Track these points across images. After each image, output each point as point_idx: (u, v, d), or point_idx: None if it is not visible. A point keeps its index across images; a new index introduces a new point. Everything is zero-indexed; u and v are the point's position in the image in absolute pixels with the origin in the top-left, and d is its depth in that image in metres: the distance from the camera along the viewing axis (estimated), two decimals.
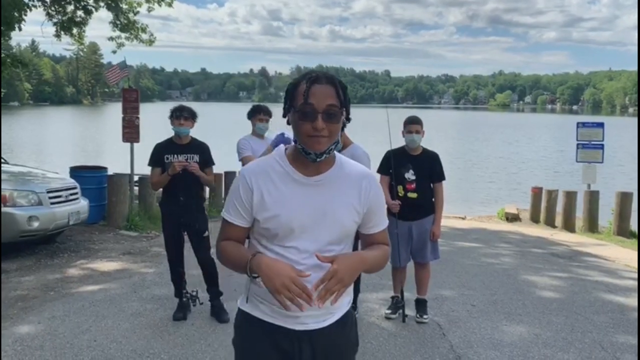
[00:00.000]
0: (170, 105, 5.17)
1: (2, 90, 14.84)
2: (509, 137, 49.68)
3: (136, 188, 10.39)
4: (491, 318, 5.05)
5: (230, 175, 12.10)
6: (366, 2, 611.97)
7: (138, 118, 10.48)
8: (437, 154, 4.94)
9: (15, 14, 9.53)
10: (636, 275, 6.76)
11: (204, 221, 4.89)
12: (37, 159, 23.86)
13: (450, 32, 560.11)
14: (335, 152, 1.87)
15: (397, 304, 4.98)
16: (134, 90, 11.19)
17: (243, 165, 5.07)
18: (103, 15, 13.02)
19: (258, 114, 5.31)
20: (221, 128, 36.44)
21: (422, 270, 4.98)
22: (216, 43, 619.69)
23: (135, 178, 10.72)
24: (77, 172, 9.15)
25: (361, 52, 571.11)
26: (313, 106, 1.74)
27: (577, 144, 11.39)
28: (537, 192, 12.07)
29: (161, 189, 4.86)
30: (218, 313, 4.81)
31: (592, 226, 10.77)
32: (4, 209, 6.50)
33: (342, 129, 1.94)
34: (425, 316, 4.88)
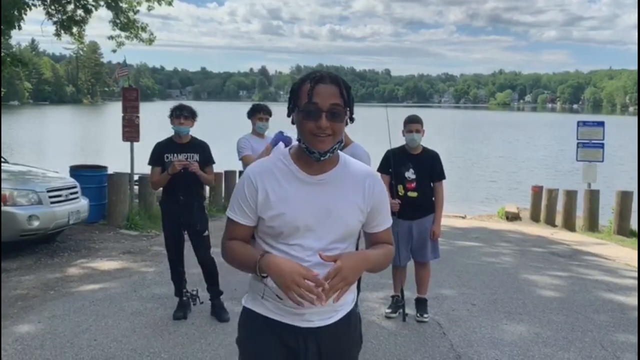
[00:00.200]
0: (170, 104, 5.17)
1: (2, 89, 14.84)
2: (509, 136, 49.68)
3: (136, 187, 10.39)
4: (491, 317, 5.05)
5: (230, 174, 12.11)
6: (366, 1, 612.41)
7: (138, 117, 10.47)
8: (437, 153, 4.94)
9: (15, 13, 9.52)
10: (636, 274, 6.75)
11: (204, 220, 4.89)
12: (37, 158, 23.84)
13: (451, 31, 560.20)
14: (339, 151, 1.88)
15: (397, 303, 4.98)
16: (134, 89, 11.19)
17: (243, 164, 5.07)
18: (103, 14, 13.01)
19: (258, 113, 5.31)
20: (221, 127, 36.45)
21: (422, 270, 4.98)
22: (216, 42, 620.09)
23: (136, 177, 10.72)
24: (77, 171, 9.14)
25: (361, 51, 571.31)
26: (317, 105, 1.75)
27: (578, 143, 11.38)
28: (537, 191, 12.07)
29: (161, 188, 4.86)
30: (218, 312, 4.81)
31: (592, 225, 10.76)
32: (4, 208, 6.50)
33: None
34: (425, 315, 4.88)
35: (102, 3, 12.08)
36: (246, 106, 5.65)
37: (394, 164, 4.73)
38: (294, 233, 1.83)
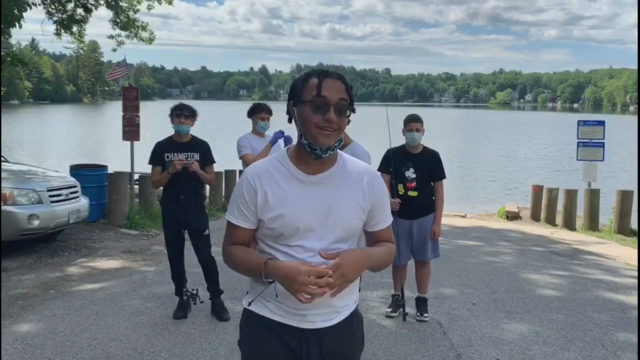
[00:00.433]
0: (170, 103, 5.16)
1: (2, 88, 14.81)
2: (510, 135, 49.66)
3: (136, 186, 10.40)
4: (492, 316, 5.05)
5: (230, 174, 12.12)
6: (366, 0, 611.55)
7: (138, 116, 10.48)
8: (438, 153, 4.94)
9: (16, 12, 9.52)
10: (636, 274, 6.75)
11: (204, 219, 4.89)
12: (37, 158, 23.86)
13: (451, 30, 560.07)
14: (338, 150, 1.87)
15: (397, 302, 4.98)
16: (134, 88, 11.19)
17: (243, 163, 5.07)
18: (103, 14, 13.06)
19: (260, 113, 5.31)
20: (221, 126, 36.44)
21: (422, 269, 4.98)
22: (216, 41, 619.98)
23: (136, 176, 10.74)
24: (77, 170, 9.14)
25: (361, 50, 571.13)
26: (326, 99, 1.75)
27: (578, 142, 11.38)
28: (537, 191, 12.07)
29: (162, 188, 4.86)
30: (218, 311, 4.81)
31: (592, 224, 10.77)
32: (4, 208, 6.50)
33: None
34: (425, 314, 4.88)
35: (102, 2, 12.08)
36: (246, 105, 5.64)
37: (394, 163, 4.73)
38: (294, 234, 1.82)
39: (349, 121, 1.84)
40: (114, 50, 13.43)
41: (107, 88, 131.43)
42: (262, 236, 1.89)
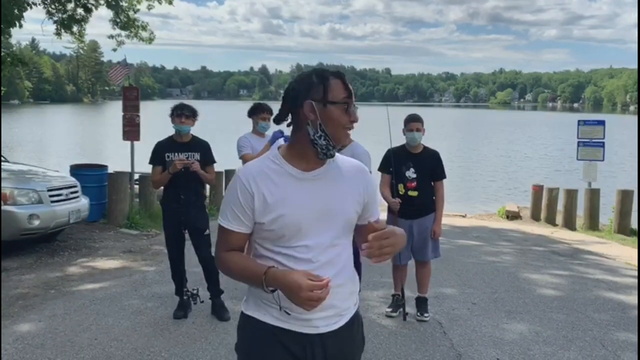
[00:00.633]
0: (170, 103, 5.16)
1: (2, 88, 14.81)
2: (510, 135, 49.65)
3: (136, 186, 10.40)
4: (492, 316, 5.05)
5: (230, 174, 12.11)
6: None
7: (138, 116, 10.48)
8: (438, 152, 4.94)
9: (16, 11, 9.52)
10: (637, 273, 6.75)
11: (204, 219, 4.89)
12: (37, 157, 23.85)
13: (451, 30, 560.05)
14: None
15: (397, 302, 4.98)
16: (135, 88, 11.19)
17: (243, 163, 5.07)
18: (103, 13, 13.06)
19: (261, 113, 5.31)
20: (221, 126, 36.44)
21: (422, 269, 4.98)
22: (216, 41, 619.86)
23: (136, 176, 10.73)
24: (77, 170, 9.14)
25: (362, 50, 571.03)
26: (352, 99, 1.80)
27: (578, 142, 11.38)
28: (537, 190, 12.06)
29: (162, 187, 4.86)
30: (219, 311, 4.81)
31: (592, 224, 10.76)
32: (4, 208, 6.50)
33: None
34: (426, 314, 4.88)
35: (102, 2, 12.07)
36: (246, 105, 5.65)
37: (394, 163, 4.73)
38: (296, 234, 1.78)
39: None
40: (114, 50, 13.44)
41: (107, 88, 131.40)
42: (261, 240, 1.84)
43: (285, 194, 1.79)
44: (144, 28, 13.00)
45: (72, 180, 7.78)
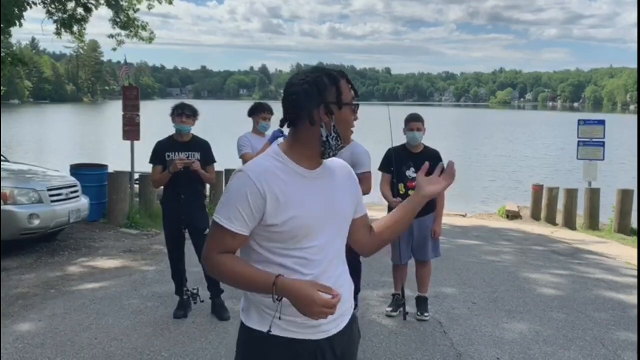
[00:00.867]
0: (170, 103, 5.17)
1: (2, 88, 14.81)
2: (510, 134, 49.64)
3: (137, 186, 10.39)
4: (492, 316, 5.05)
5: (230, 173, 12.08)
6: None
7: (139, 116, 10.47)
8: (439, 152, 4.93)
9: (16, 11, 9.51)
10: (637, 273, 6.75)
11: (205, 219, 4.88)
12: (37, 157, 23.84)
13: (451, 30, 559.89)
14: None
15: (398, 302, 4.97)
16: (135, 88, 11.18)
17: (243, 162, 5.07)
18: (103, 13, 13.06)
19: (262, 113, 5.31)
20: (222, 126, 36.43)
21: (423, 268, 4.98)
22: (216, 41, 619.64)
23: (136, 176, 10.72)
24: (77, 170, 9.14)
25: (362, 50, 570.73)
26: (357, 99, 1.83)
27: (578, 142, 11.36)
28: (538, 190, 12.06)
29: (162, 187, 4.86)
30: (219, 311, 4.81)
31: (593, 224, 10.76)
32: (4, 207, 6.50)
33: None
34: (426, 314, 4.88)
35: (102, 2, 12.06)
36: (247, 105, 5.65)
37: (395, 162, 4.72)
38: (308, 235, 1.74)
39: None
40: (114, 49, 13.44)
41: (107, 88, 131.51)
42: (266, 242, 1.75)
43: (296, 194, 1.73)
44: (144, 28, 13.00)
45: (72, 180, 7.78)
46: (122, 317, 4.78)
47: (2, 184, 6.58)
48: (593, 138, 11.20)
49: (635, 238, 9.54)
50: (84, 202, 7.66)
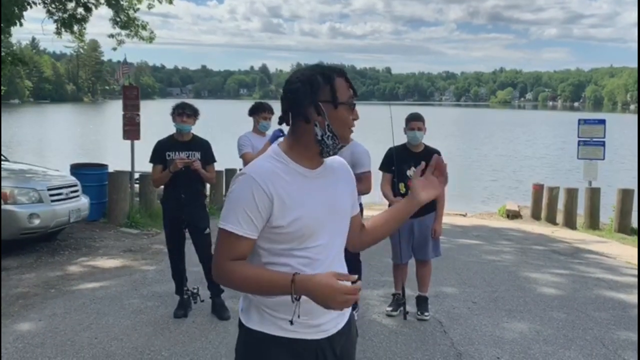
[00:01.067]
0: (170, 102, 5.17)
1: (2, 87, 14.81)
2: (510, 134, 49.63)
3: (137, 185, 10.39)
4: (492, 315, 5.04)
5: (230, 173, 12.10)
6: None
7: (139, 115, 10.48)
8: (439, 151, 4.92)
9: (16, 10, 9.50)
10: (637, 272, 6.74)
11: (205, 218, 4.89)
12: (37, 157, 23.84)
13: (451, 29, 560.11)
14: None
15: (398, 301, 4.97)
16: (135, 87, 11.19)
17: (243, 162, 5.07)
18: (103, 13, 13.04)
19: (262, 112, 5.31)
20: (222, 125, 36.44)
21: (423, 268, 4.98)
22: (216, 40, 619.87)
23: (136, 175, 10.73)
24: (77, 169, 9.13)
25: (362, 49, 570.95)
26: (354, 98, 1.81)
27: (579, 141, 11.36)
28: (538, 189, 12.06)
29: (162, 186, 4.86)
30: (219, 310, 4.81)
31: (593, 223, 10.76)
32: (4, 207, 6.50)
33: None
34: (426, 313, 4.88)
35: (102, 1, 12.05)
36: (247, 104, 5.65)
37: (395, 161, 4.72)
38: (312, 234, 1.73)
39: None
40: (114, 49, 13.43)
41: (107, 87, 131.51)
42: (270, 244, 1.73)
43: (300, 194, 1.73)
44: (144, 27, 12.99)
45: (73, 180, 7.78)
46: (122, 316, 4.78)
47: (2, 184, 6.58)
48: (593, 137, 11.20)
49: (636, 237, 9.53)
50: (84, 201, 7.65)
